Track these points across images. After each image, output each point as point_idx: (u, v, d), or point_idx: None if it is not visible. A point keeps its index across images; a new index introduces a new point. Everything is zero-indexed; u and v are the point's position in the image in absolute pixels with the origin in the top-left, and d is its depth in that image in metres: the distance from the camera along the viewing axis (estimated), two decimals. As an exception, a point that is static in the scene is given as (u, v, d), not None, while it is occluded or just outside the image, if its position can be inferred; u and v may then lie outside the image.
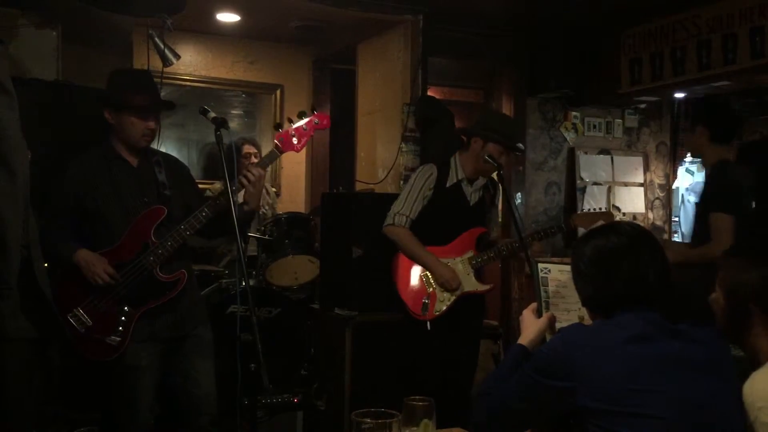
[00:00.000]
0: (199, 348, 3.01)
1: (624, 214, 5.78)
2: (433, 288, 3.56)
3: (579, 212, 3.71)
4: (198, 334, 3.01)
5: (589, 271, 1.80)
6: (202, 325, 3.04)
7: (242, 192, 2.94)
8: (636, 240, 1.78)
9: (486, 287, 3.67)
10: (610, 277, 1.76)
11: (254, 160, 5.00)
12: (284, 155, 6.45)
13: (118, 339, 2.81)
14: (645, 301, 1.73)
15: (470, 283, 3.60)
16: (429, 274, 3.58)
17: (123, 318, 2.82)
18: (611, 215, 3.71)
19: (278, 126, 2.95)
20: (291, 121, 2.93)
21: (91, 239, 2.87)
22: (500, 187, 3.73)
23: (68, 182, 2.88)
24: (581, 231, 3.95)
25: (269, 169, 6.17)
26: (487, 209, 3.75)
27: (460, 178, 3.63)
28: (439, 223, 3.60)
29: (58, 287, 2.85)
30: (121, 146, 2.94)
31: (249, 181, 2.87)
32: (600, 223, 3.47)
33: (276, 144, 2.92)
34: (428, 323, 3.52)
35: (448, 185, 3.62)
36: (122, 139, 2.92)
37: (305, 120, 2.93)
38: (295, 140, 2.91)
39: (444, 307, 3.55)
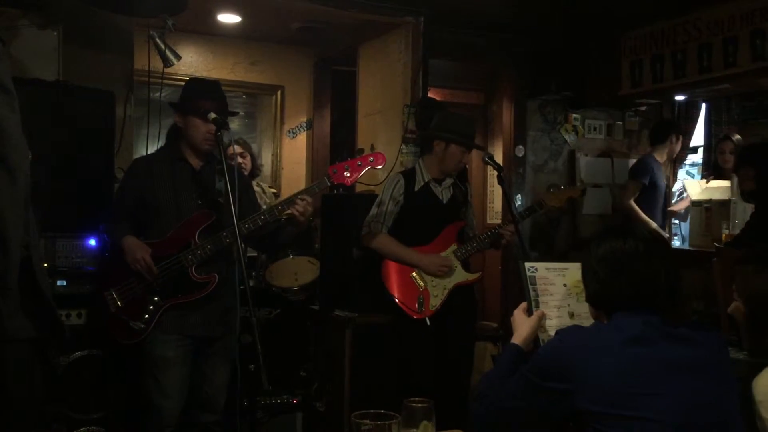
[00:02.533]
0: (224, 353, 3.11)
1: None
2: (424, 286, 3.63)
3: (549, 191, 3.89)
4: (226, 339, 3.09)
5: (601, 270, 1.81)
6: (232, 332, 3.10)
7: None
8: (651, 245, 1.79)
9: (475, 276, 3.77)
10: (619, 278, 1.77)
11: (240, 160, 4.94)
12: (284, 155, 6.46)
13: (142, 325, 2.95)
14: (649, 304, 1.73)
15: (460, 275, 3.70)
16: (416, 274, 3.64)
17: (151, 307, 2.97)
18: (577, 189, 3.99)
19: (336, 159, 3.13)
20: (348, 156, 3.10)
21: (144, 230, 3.05)
22: (469, 186, 3.97)
23: (132, 176, 3.13)
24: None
25: (269, 171, 6.21)
26: (461, 206, 3.83)
27: (426, 180, 3.75)
28: (418, 225, 3.71)
29: (104, 267, 3.22)
30: (186, 148, 3.11)
31: (298, 212, 3.00)
32: (567, 196, 3.87)
33: (328, 174, 3.03)
34: (427, 320, 3.58)
35: (416, 189, 3.74)
36: (188, 142, 3.10)
37: (361, 156, 3.08)
38: (347, 173, 3.02)
39: (439, 302, 3.62)
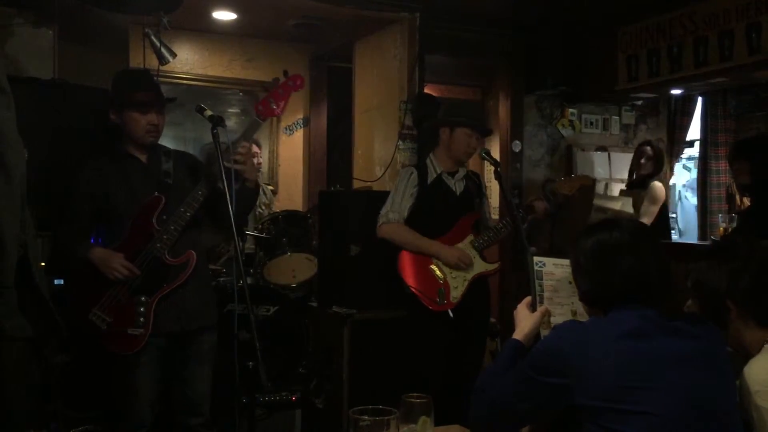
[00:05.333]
0: (200, 353, 3.04)
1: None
2: (444, 277, 3.60)
3: (561, 178, 3.92)
4: (202, 340, 3.04)
5: (589, 266, 1.80)
6: (207, 329, 3.06)
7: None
8: (638, 236, 1.78)
9: (494, 266, 3.75)
10: (609, 272, 1.76)
11: (260, 160, 5.04)
12: (281, 152, 6.46)
13: (140, 330, 2.85)
14: (643, 298, 1.73)
15: (479, 265, 3.67)
16: (435, 266, 3.61)
17: (141, 308, 2.87)
18: (588, 177, 4.10)
19: (257, 96, 3.02)
20: (266, 89, 2.99)
21: (107, 236, 2.94)
22: (483, 181, 3.96)
23: (83, 184, 2.94)
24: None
25: (266, 168, 6.20)
26: (474, 197, 3.81)
27: (439, 171, 3.73)
28: (433, 217, 3.67)
29: (75, 289, 2.96)
30: (129, 145, 3.01)
31: (238, 161, 2.88)
32: (579, 184, 3.91)
33: (257, 113, 2.98)
34: (450, 311, 3.54)
35: (430, 181, 3.72)
36: (129, 137, 2.99)
37: (280, 84, 3.01)
38: (273, 105, 2.98)
39: (460, 294, 3.59)
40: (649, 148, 5.25)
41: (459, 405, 2.53)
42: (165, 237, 2.86)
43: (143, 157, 3.02)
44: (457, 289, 3.60)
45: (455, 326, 3.58)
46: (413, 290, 3.58)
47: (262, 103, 2.97)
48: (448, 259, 3.59)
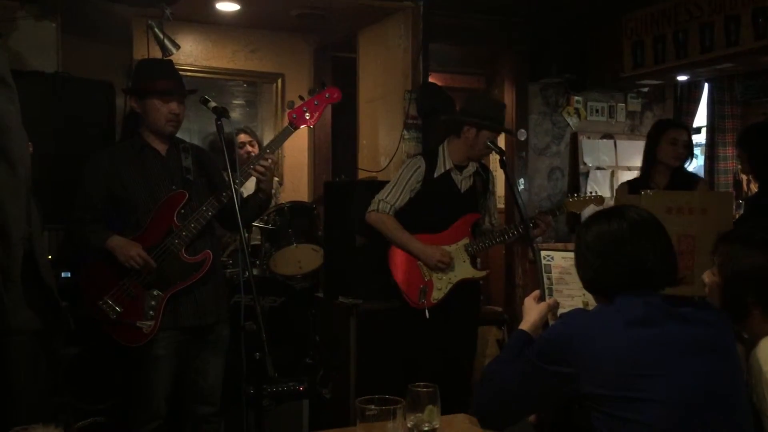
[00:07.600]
0: (214, 344, 3.07)
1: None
2: (429, 277, 3.57)
3: (571, 198, 3.74)
4: (216, 332, 3.06)
5: (590, 256, 1.81)
6: (223, 322, 3.09)
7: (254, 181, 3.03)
8: (637, 225, 1.78)
9: (481, 273, 3.70)
10: (609, 261, 1.77)
11: (249, 148, 5.01)
12: (286, 145, 6.47)
13: (150, 323, 2.86)
14: (646, 286, 1.73)
15: (466, 270, 3.61)
16: (422, 264, 3.58)
17: (153, 302, 2.88)
18: (602, 199, 3.79)
19: (291, 104, 3.04)
20: (302, 98, 3.02)
21: (121, 226, 2.94)
22: (492, 174, 3.85)
23: (98, 172, 2.95)
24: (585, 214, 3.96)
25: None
26: (480, 195, 3.75)
27: (448, 167, 3.65)
28: (431, 213, 3.62)
29: (87, 277, 2.98)
30: (149, 135, 3.00)
31: (260, 172, 2.93)
32: (591, 207, 3.66)
33: (290, 121, 2.98)
34: (426, 311, 3.52)
35: (436, 175, 3.64)
36: (149, 127, 2.99)
37: (316, 95, 3.01)
38: (307, 115, 2.99)
39: (441, 295, 3.57)
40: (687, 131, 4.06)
41: (461, 395, 2.54)
42: (184, 234, 2.88)
43: (162, 149, 3.02)
44: (440, 291, 3.57)
45: (437, 325, 3.55)
46: (397, 283, 3.59)
47: (297, 112, 2.98)
48: (427, 260, 3.54)
